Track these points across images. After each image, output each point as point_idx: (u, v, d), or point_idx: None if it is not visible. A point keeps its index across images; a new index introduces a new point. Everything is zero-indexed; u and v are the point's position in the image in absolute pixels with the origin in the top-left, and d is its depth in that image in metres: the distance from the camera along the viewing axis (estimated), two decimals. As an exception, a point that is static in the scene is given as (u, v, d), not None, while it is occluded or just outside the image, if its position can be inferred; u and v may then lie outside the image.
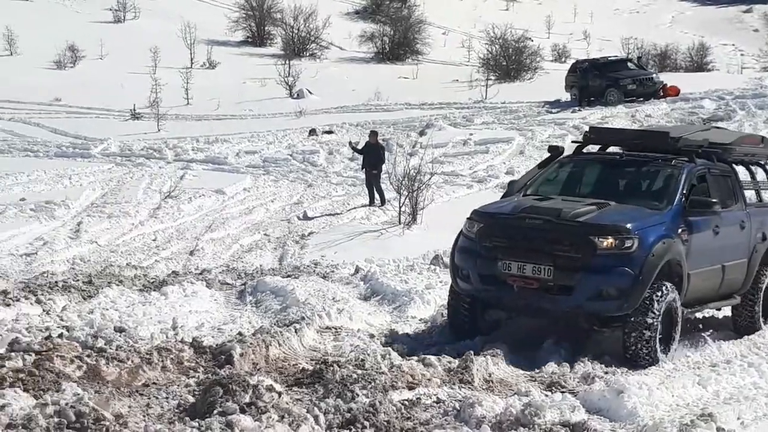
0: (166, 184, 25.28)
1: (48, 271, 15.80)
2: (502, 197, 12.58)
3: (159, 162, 28.71)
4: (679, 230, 10.98)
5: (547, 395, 8.64)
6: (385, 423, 7.47)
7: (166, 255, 18.53)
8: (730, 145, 12.84)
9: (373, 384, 8.42)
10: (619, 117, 33.67)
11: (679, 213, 11.16)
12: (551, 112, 36.57)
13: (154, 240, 19.99)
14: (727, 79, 43.14)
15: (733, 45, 66.20)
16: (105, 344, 9.40)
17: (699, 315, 13.02)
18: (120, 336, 10.12)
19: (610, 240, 10.34)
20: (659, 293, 10.45)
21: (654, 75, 39.35)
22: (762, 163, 14.09)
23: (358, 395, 8.07)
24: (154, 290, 13.26)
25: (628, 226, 10.44)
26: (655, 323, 10.38)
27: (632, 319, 10.38)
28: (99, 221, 21.21)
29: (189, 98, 41.96)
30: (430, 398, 8.36)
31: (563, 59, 57.99)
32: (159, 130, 34.94)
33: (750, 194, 13.69)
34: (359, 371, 8.75)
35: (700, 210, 11.34)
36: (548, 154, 12.86)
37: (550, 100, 39.44)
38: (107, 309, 11.70)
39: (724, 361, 10.60)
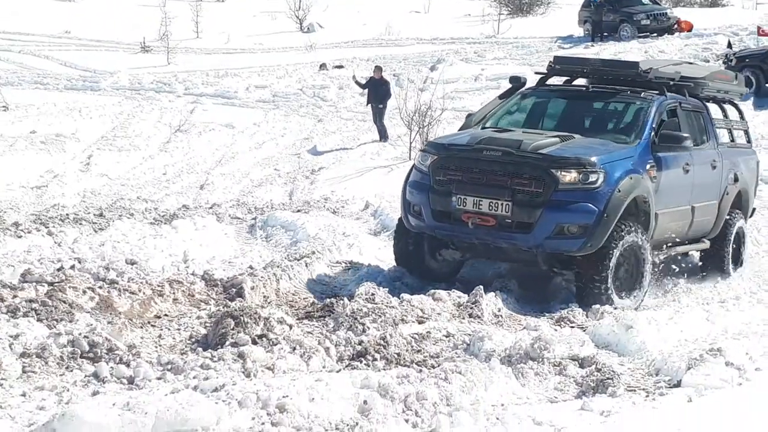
0: (176, 118, 25.26)
1: (59, 204, 15.87)
2: (460, 129, 11.84)
3: (169, 96, 28.62)
4: (648, 166, 10.40)
5: (556, 330, 8.67)
6: (396, 355, 7.52)
7: (177, 189, 18.59)
8: (702, 80, 12.20)
9: (383, 318, 8.47)
10: (632, 52, 33.33)
11: (648, 148, 10.56)
12: (564, 48, 36.22)
13: (164, 174, 20.03)
14: (742, 15, 42.63)
15: (749, -20, 65.29)
16: (117, 276, 9.45)
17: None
18: (131, 268, 10.17)
19: (574, 174, 9.74)
20: (617, 232, 9.89)
21: (668, 10, 38.93)
22: (735, 102, 13.49)
23: (368, 328, 8.11)
24: (165, 224, 13.31)
25: (593, 159, 9.83)
26: (609, 264, 9.84)
27: (584, 258, 9.86)
28: (109, 155, 21.26)
29: (199, 32, 41.71)
30: (440, 332, 8.39)
31: (576, -6, 57.33)
32: (169, 64, 34.78)
33: (722, 133, 13.19)
34: (369, 305, 8.80)
35: (670, 145, 10.73)
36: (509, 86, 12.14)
37: (563, 36, 39.06)
38: (118, 242, 11.76)
39: (733, 297, 10.60)
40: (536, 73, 12.66)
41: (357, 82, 24.20)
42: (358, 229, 13.69)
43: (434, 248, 10.83)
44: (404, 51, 36.91)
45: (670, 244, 11.20)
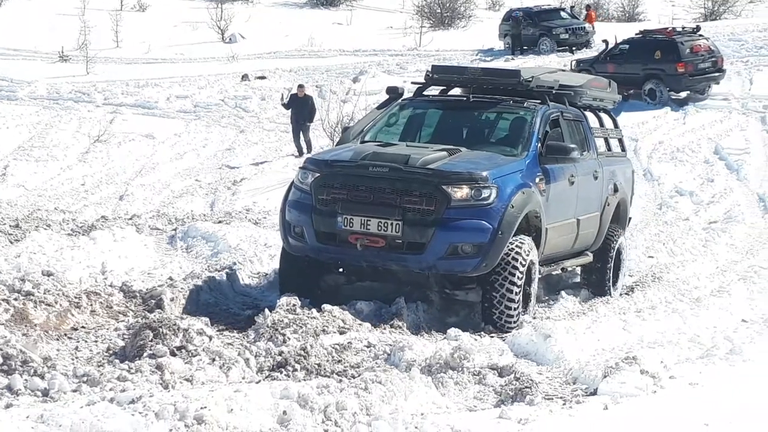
0: (95, 129, 24.92)
1: (-27, 215, 15.52)
2: (337, 145, 11.20)
3: (88, 105, 28.26)
4: (537, 179, 9.96)
5: (476, 339, 8.74)
6: (316, 366, 7.51)
7: (95, 200, 18.34)
8: (580, 88, 11.69)
9: (304, 328, 8.45)
10: (551, 66, 33.84)
11: (536, 160, 10.10)
12: (485, 61, 36.60)
13: (82, 184, 19.77)
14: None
15: (665, -4, 66.65)
16: (33, 288, 9.25)
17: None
18: (48, 280, 9.97)
19: (466, 190, 9.28)
20: (522, 249, 9.47)
21: (586, 25, 39.55)
22: (608, 109, 12.98)
23: (289, 339, 8.10)
24: (83, 235, 13.10)
25: (485, 173, 9.37)
26: (520, 283, 9.44)
27: (494, 279, 9.39)
28: (26, 165, 20.92)
29: (119, 41, 41.26)
30: (361, 342, 8.39)
31: (497, 7, 57.89)
32: (88, 73, 34.36)
33: (600, 143, 12.56)
34: (291, 316, 8.77)
35: (556, 157, 10.25)
36: (387, 97, 11.49)
37: (484, 49, 39.47)
38: (35, 253, 11.53)
39: (649, 307, 10.78)
40: (413, 83, 12.03)
41: (283, 105, 23.74)
42: (279, 240, 13.61)
43: (319, 273, 10.15)
44: (327, 62, 36.96)
45: (557, 259, 10.87)
